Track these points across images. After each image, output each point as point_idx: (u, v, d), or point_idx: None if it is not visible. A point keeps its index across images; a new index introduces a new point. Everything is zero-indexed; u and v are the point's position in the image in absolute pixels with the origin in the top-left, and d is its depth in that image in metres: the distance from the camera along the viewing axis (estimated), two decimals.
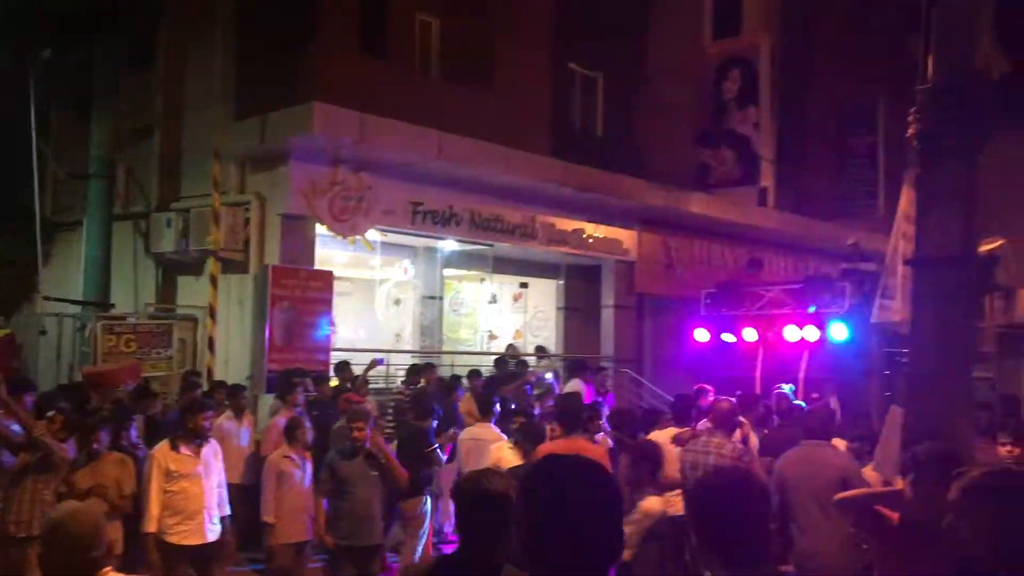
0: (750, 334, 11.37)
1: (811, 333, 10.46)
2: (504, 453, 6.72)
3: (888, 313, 4.89)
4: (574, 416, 6.63)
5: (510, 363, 12.61)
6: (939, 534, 2.84)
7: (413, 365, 11.70)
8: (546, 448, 6.35)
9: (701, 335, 12.07)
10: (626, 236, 15.35)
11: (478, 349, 15.36)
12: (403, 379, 11.36)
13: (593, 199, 14.10)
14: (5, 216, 14.12)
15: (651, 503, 5.27)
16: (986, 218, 4.44)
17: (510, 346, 15.05)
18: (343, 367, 10.83)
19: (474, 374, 11.43)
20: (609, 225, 15.04)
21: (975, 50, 4.17)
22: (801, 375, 10.52)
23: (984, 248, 4.80)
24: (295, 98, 10.87)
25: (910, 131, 4.42)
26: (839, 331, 10.28)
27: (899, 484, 3.43)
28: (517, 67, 13.82)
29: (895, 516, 3.34)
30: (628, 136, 15.97)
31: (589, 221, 14.70)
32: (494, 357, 13.42)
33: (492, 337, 15.79)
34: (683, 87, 16.65)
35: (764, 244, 17.67)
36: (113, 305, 12.92)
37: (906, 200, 4.67)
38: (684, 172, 16.53)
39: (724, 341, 11.92)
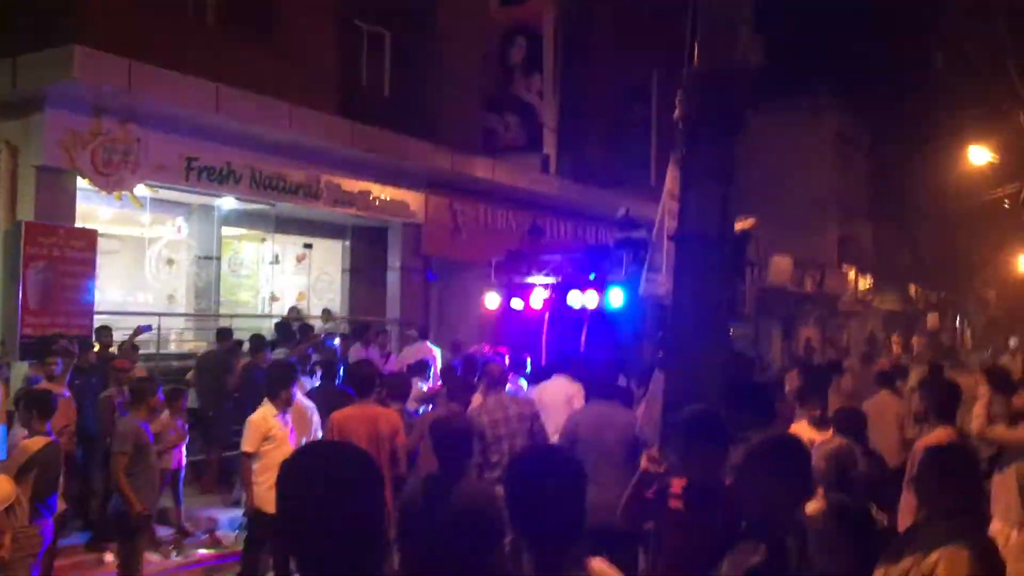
0: (537, 300, 11.69)
1: (591, 299, 10.87)
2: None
3: (654, 286, 5.20)
4: (366, 382, 6.58)
5: (293, 326, 12.31)
6: (714, 494, 3.08)
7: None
8: (338, 415, 6.32)
9: (491, 300, 12.30)
10: (413, 198, 15.31)
11: (259, 312, 14.87)
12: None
13: (380, 160, 13.94)
14: None
15: None
16: (740, 197, 4.80)
17: (293, 308, 14.69)
18: (104, 332, 10.16)
19: (256, 339, 11.08)
20: (396, 187, 14.94)
21: (736, 39, 4.46)
22: (583, 339, 10.94)
23: (739, 226, 5.20)
24: (54, 40, 9.93)
25: (676, 112, 4.69)
26: (616, 297, 10.76)
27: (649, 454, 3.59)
28: (300, 19, 13.34)
29: (677, 482, 3.55)
30: (416, 97, 15.89)
31: (376, 182, 14.53)
32: (276, 320, 13.06)
33: (274, 299, 15.31)
34: (471, 51, 16.74)
35: (547, 210, 18.21)
36: None
37: (671, 179, 4.96)
38: (471, 136, 16.70)
39: (513, 307, 12.19)
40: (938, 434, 5.14)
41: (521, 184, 16.78)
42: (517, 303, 11.79)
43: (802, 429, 5.86)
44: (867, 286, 33.41)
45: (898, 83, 30.79)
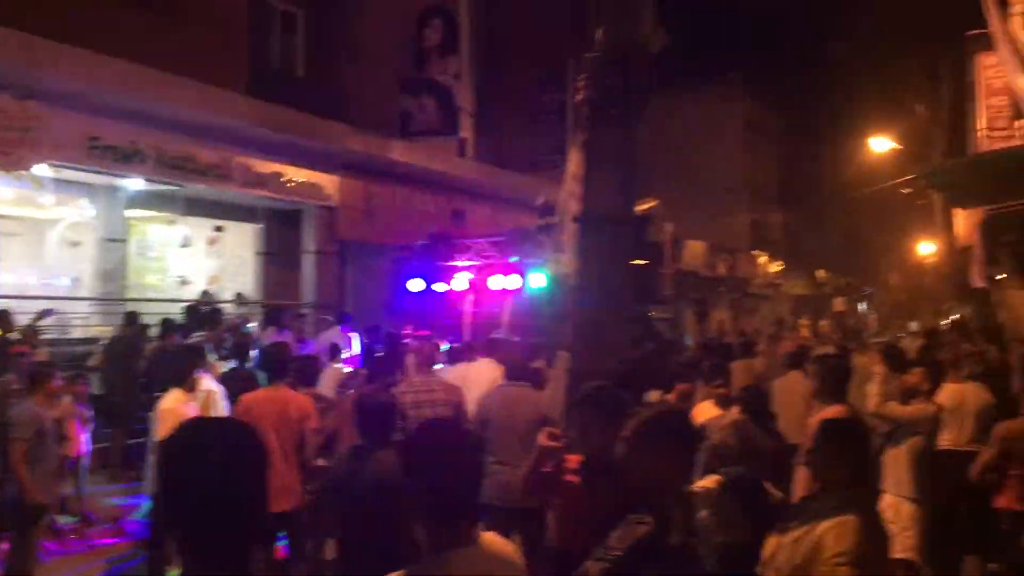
0: (460, 283, 11.81)
1: (513, 282, 11.02)
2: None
3: (560, 266, 5.28)
4: (279, 365, 6.52)
5: (203, 310, 12.07)
6: (609, 469, 3.15)
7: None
8: (248, 398, 6.24)
9: (415, 284, 12.36)
10: (327, 181, 15.12)
11: (169, 296, 14.50)
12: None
13: (293, 142, 13.72)
14: None
15: None
16: (649, 177, 4.90)
17: (204, 292, 14.38)
18: (3, 317, 9.81)
19: (166, 322, 10.83)
20: (310, 169, 14.73)
21: (638, 23, 4.54)
22: (505, 320, 11.08)
23: (641, 207, 5.31)
24: None
25: (579, 96, 4.75)
26: (536, 280, 10.91)
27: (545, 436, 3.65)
28: None
29: (574, 458, 3.63)
30: (330, 78, 15.67)
31: (289, 164, 14.30)
32: (186, 304, 12.78)
33: (184, 283, 14.95)
34: (386, 32, 16.58)
35: (464, 194, 18.21)
36: None
37: (575, 161, 5.04)
38: (387, 119, 16.55)
39: (435, 290, 12.28)
40: (832, 411, 5.34)
41: (437, 167, 16.73)
42: (440, 286, 11.88)
43: (708, 408, 6.04)
44: (777, 270, 34.37)
45: (806, 71, 31.65)
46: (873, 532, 3.45)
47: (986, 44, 14.55)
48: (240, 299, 14.42)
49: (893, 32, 19.69)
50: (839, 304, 38.74)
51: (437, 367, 7.97)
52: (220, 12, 13.21)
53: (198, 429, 1.99)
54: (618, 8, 4.56)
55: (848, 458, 3.44)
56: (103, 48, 10.58)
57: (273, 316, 12.53)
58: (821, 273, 40.39)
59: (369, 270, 16.80)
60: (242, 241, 15.90)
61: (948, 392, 6.98)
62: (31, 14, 10.05)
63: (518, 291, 11.09)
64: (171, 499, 1.84)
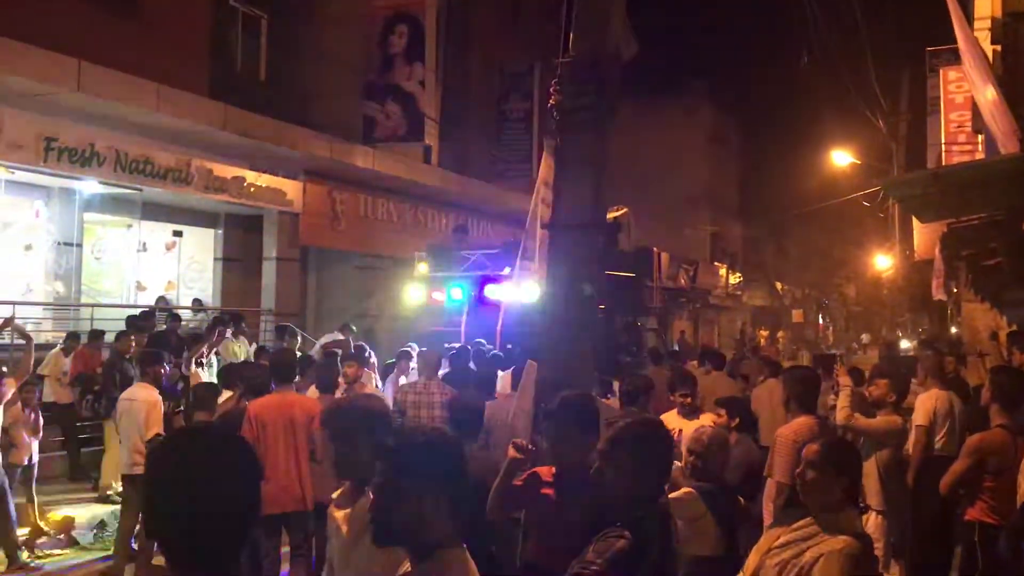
0: (457, 293, 11.94)
1: (506, 292, 11.03)
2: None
3: (528, 273, 5.21)
4: (286, 370, 6.61)
5: (159, 317, 11.83)
6: (583, 479, 3.08)
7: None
8: (255, 403, 6.28)
9: (415, 293, 12.53)
10: (290, 186, 14.93)
11: (124, 301, 14.21)
12: None
13: (255, 146, 13.53)
14: None
15: None
16: (612, 187, 4.86)
17: (161, 298, 14.12)
18: None
19: (133, 328, 10.59)
20: (272, 174, 14.54)
21: (609, 30, 4.51)
22: (498, 328, 11.11)
23: (611, 215, 5.27)
24: None
25: (551, 101, 4.71)
26: (530, 291, 10.93)
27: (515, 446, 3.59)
28: None
29: (546, 470, 3.55)
30: (294, 83, 15.51)
31: (251, 169, 14.10)
32: (142, 310, 12.51)
33: (141, 288, 14.66)
34: (351, 37, 16.46)
35: (428, 201, 18.11)
36: None
37: (545, 167, 4.98)
38: (351, 124, 16.41)
39: (435, 299, 12.44)
40: (801, 422, 5.33)
41: (402, 174, 16.61)
42: (439, 296, 12.05)
43: (671, 418, 6.00)
44: (737, 282, 34.70)
45: (768, 85, 32.06)
46: (863, 557, 3.40)
47: (947, 59, 14.85)
48: (198, 305, 14.17)
49: (854, 47, 19.98)
50: (798, 315, 39.20)
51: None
52: (181, 13, 13.01)
53: (186, 439, 1.99)
54: (590, 15, 4.52)
55: (844, 482, 3.40)
56: (61, 48, 10.34)
57: (231, 322, 12.28)
58: (780, 285, 40.88)
59: (332, 277, 16.64)
60: (202, 246, 15.65)
61: (940, 398, 6.98)
62: None
63: (511, 302, 11.18)
64: (160, 510, 1.82)
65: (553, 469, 3.51)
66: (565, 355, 4.55)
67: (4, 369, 7.49)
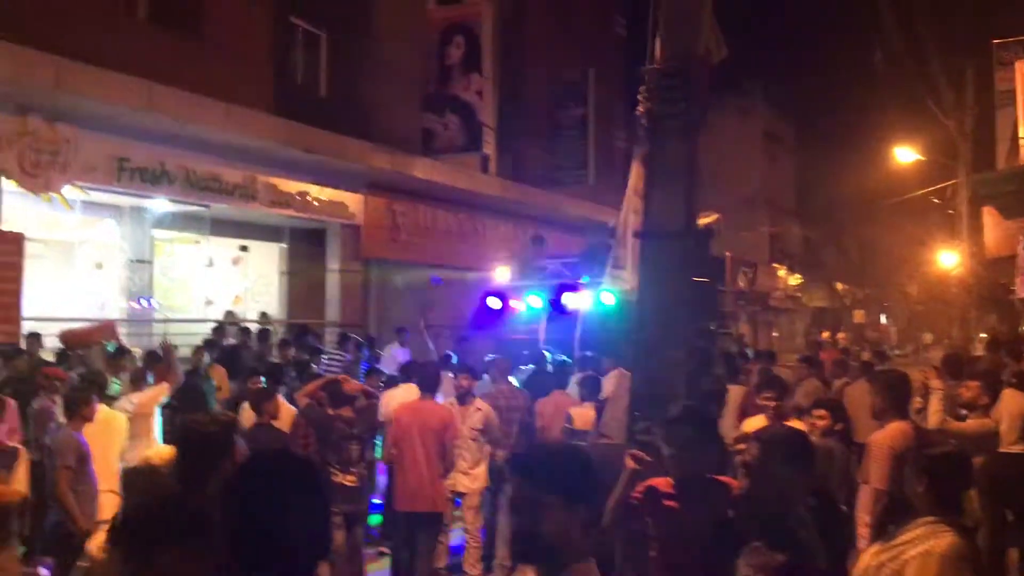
0: (536, 301, 12.04)
1: (585, 300, 11.04)
2: None
3: (620, 282, 5.18)
4: (430, 380, 7.26)
5: (229, 330, 12.02)
6: (707, 489, 3.03)
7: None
8: (399, 408, 7.07)
9: (494, 303, 12.70)
10: (351, 199, 15.08)
11: (194, 316, 14.45)
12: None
13: (317, 160, 13.69)
14: None
15: None
16: (703, 193, 4.81)
17: (229, 312, 14.33)
18: (34, 339, 9.78)
19: (211, 344, 10.79)
20: (334, 188, 14.69)
21: (698, 32, 4.46)
22: (576, 335, 11.15)
23: (702, 221, 5.22)
24: None
25: (639, 109, 4.66)
26: (607, 298, 10.91)
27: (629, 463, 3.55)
28: (233, 16, 13.03)
29: (662, 481, 3.50)
30: (353, 97, 15.66)
31: (313, 183, 14.27)
32: (212, 324, 12.72)
33: (209, 303, 14.91)
34: (409, 50, 16.57)
35: (486, 210, 18.14)
36: None
37: (636, 176, 4.94)
38: (410, 136, 16.53)
39: (512, 307, 12.58)
40: (895, 427, 5.19)
41: (461, 184, 16.67)
42: (518, 304, 12.18)
43: (759, 422, 5.89)
44: (796, 283, 34.18)
45: (825, 82, 31.54)
46: (967, 558, 3.30)
47: (1016, 51, 14.48)
48: (264, 319, 14.35)
49: (917, 42, 19.59)
50: (859, 316, 38.50)
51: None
52: (244, 32, 13.22)
53: (262, 463, 2.06)
54: (679, 20, 4.47)
55: (955, 489, 3.31)
56: (132, 70, 10.57)
57: (299, 335, 12.47)
58: (840, 285, 40.18)
59: (392, 288, 16.74)
60: (266, 260, 15.88)
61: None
62: (62, 37, 10.06)
63: (589, 309, 11.22)
64: (238, 531, 1.87)
65: (671, 480, 3.45)
66: (657, 364, 4.50)
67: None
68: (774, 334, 32.91)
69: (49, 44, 9.76)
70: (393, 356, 12.49)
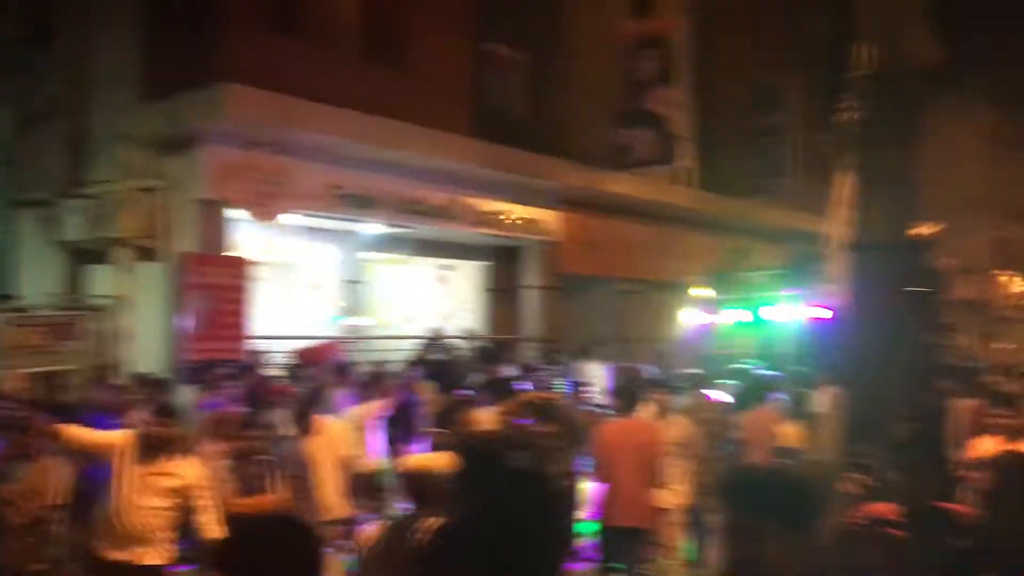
0: (742, 315, 11.91)
1: (791, 313, 10.78)
2: None
3: (829, 295, 4.97)
4: (632, 397, 7.38)
5: (438, 346, 12.50)
6: (939, 518, 2.86)
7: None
8: (608, 428, 7.21)
9: (695, 316, 12.71)
10: (548, 216, 15.33)
11: (399, 333, 15.14)
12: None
13: (515, 180, 14.03)
14: None
15: None
16: (920, 201, 4.54)
17: (435, 329, 14.88)
18: (260, 357, 10.58)
19: (420, 360, 11.30)
20: (531, 206, 14.99)
21: (907, 39, 4.22)
22: (782, 348, 10.95)
23: (921, 231, 4.92)
24: (206, 78, 10.42)
25: (842, 117, 4.47)
26: (817, 311, 10.59)
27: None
28: (435, 45, 13.57)
29: (886, 508, 3.33)
30: (548, 116, 15.91)
31: (512, 202, 14.63)
32: (420, 340, 13.28)
33: (414, 320, 15.58)
34: (602, 66, 16.65)
35: (683, 223, 17.88)
36: (16, 297, 12.25)
37: (844, 186, 4.73)
38: (605, 151, 16.58)
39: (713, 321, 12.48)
40: None
41: (657, 197, 16.55)
42: (721, 318, 12.09)
43: (989, 443, 5.44)
44: None
45: None
46: None
47: None
48: (469, 335, 14.80)
49: None
50: None
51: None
52: (444, 60, 13.73)
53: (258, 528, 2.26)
54: (889, 23, 4.25)
55: None
56: (342, 101, 11.28)
57: (496, 351, 12.79)
58: None
59: (590, 303, 16.82)
60: (467, 278, 16.41)
61: None
62: (275, 74, 10.87)
63: (802, 321, 10.92)
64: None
65: (896, 507, 3.26)
66: (874, 381, 4.28)
67: None
68: (1002, 345, 30.29)
69: (268, 82, 10.59)
70: (592, 372, 12.53)
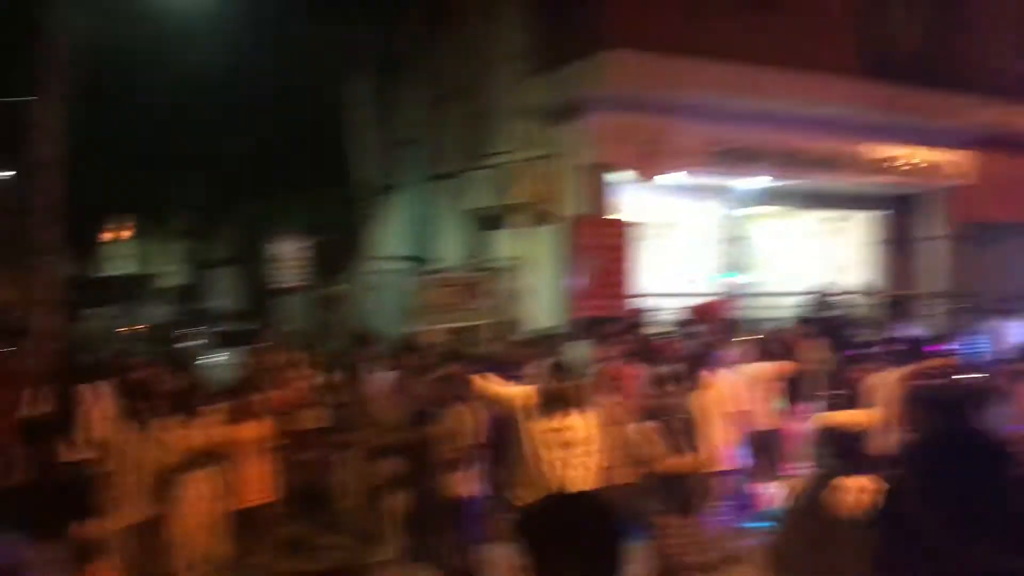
0: None
1: None
2: None
3: None
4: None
5: (829, 302, 11.94)
6: None
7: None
8: None
9: None
10: (953, 159, 13.85)
11: (783, 290, 14.63)
12: None
13: (912, 122, 12.85)
14: (333, 185, 15.52)
15: None
16: None
17: (825, 285, 14.16)
18: (643, 315, 10.82)
19: (811, 318, 10.93)
20: (930, 148, 13.64)
21: None
22: None
23: None
24: (591, 47, 10.81)
25: None
26: None
27: None
28: None
29: None
30: (946, 49, 14.30)
31: (906, 145, 13.43)
32: (809, 297, 12.77)
33: (799, 276, 14.95)
34: None
35: None
36: (429, 261, 13.75)
37: None
38: (1013, 85, 14.55)
39: None
40: None
41: None
42: None
43: None
44: None
45: None
46: None
47: None
48: (869, 290, 13.91)
49: None
50: None
51: None
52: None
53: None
54: None
55: None
56: (719, 56, 11.07)
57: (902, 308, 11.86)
58: None
59: (1004, 253, 14.96)
60: (859, 231, 15.44)
61: None
62: (655, 35, 10.93)
63: None
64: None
65: None
66: None
67: None
68: None
69: (648, 44, 10.68)
70: (1012, 332, 11.14)
